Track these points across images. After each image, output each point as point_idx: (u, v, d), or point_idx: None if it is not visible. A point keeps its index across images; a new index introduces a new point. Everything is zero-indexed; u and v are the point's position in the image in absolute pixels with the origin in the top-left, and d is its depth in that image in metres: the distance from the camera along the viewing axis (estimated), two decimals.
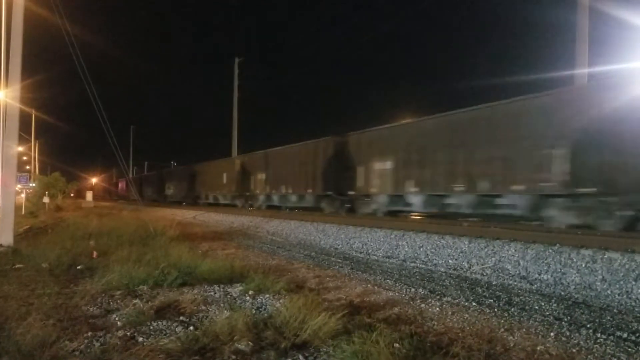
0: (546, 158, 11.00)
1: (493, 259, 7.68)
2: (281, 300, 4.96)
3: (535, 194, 11.40)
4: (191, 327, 4.16)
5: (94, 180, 74.22)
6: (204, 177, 34.70)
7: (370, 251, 9.98)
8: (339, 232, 11.86)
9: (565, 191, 10.65)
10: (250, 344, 3.69)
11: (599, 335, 4.32)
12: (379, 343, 3.42)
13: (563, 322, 4.74)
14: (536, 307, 5.38)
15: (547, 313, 5.13)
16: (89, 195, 41.56)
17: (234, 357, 3.50)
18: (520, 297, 5.88)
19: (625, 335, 4.35)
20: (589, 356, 3.78)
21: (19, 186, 22.69)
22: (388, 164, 16.22)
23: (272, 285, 5.56)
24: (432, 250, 8.84)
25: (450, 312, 5.08)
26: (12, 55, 9.96)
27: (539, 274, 6.84)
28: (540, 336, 4.27)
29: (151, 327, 4.15)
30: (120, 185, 62.11)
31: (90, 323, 4.30)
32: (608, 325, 4.67)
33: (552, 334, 4.35)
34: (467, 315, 4.96)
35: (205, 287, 5.85)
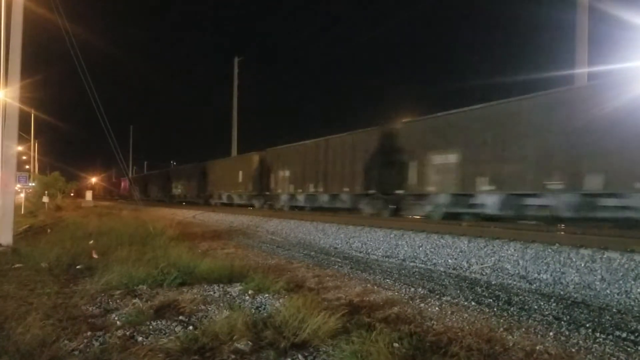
0: None
1: (492, 258, 7.69)
2: (281, 300, 4.97)
3: None
4: (190, 327, 4.16)
5: (93, 179, 74.16)
6: (217, 175, 32.18)
7: (369, 250, 9.99)
8: (339, 232, 11.86)
9: None
10: (250, 343, 3.69)
11: (598, 334, 4.32)
12: (378, 342, 3.42)
13: (562, 322, 4.74)
14: (535, 307, 5.39)
15: (547, 312, 5.14)
16: (89, 195, 41.56)
17: (233, 356, 3.50)
18: (520, 297, 5.88)
19: (624, 334, 4.35)
20: (588, 356, 3.79)
21: (18, 186, 22.66)
22: (452, 158, 13.65)
23: (271, 285, 5.56)
24: (432, 249, 8.85)
25: (449, 312, 5.08)
26: (12, 55, 9.95)
27: (538, 274, 6.84)
28: (539, 336, 4.27)
29: (150, 327, 4.16)
30: (122, 184, 61.10)
31: (89, 322, 4.30)
32: (607, 325, 4.67)
33: (551, 333, 4.35)
34: (466, 315, 4.96)
35: (205, 286, 5.85)
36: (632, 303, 5.50)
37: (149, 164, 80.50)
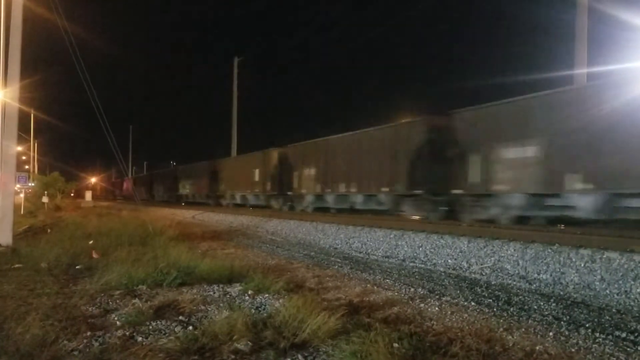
0: None
1: (492, 258, 7.69)
2: (280, 300, 4.97)
3: None
4: (190, 327, 4.16)
5: (93, 179, 74.11)
6: (230, 174, 30.18)
7: (369, 251, 9.99)
8: (338, 232, 11.86)
9: None
10: (250, 343, 3.69)
11: (597, 335, 4.32)
12: (378, 343, 3.42)
13: (562, 322, 4.74)
14: (535, 307, 5.39)
15: (546, 313, 5.14)
16: (88, 195, 41.55)
17: (233, 356, 3.50)
18: (519, 297, 5.88)
19: (624, 335, 4.35)
20: (588, 356, 3.79)
21: (18, 186, 22.67)
22: (531, 151, 11.49)
23: (271, 285, 5.56)
24: (432, 250, 8.85)
25: (449, 312, 5.08)
26: (11, 55, 9.95)
27: (538, 274, 6.84)
28: (539, 336, 4.27)
29: (150, 327, 4.15)
30: (125, 184, 59.56)
31: (89, 323, 4.30)
32: (607, 325, 4.67)
33: (551, 333, 4.35)
34: (466, 315, 4.96)
35: (205, 286, 5.85)
36: (632, 303, 5.50)
37: (148, 164, 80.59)
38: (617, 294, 5.77)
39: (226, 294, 5.49)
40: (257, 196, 26.53)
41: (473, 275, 7.35)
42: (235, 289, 5.67)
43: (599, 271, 6.28)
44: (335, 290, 6.16)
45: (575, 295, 5.97)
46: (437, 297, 5.83)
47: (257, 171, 25.98)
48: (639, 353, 3.88)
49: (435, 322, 4.67)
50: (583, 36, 17.44)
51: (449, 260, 8.22)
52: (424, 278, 7.19)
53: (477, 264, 7.72)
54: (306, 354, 3.54)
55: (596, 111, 10.19)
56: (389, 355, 3.29)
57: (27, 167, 47.06)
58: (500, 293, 6.12)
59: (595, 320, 4.86)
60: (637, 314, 5.11)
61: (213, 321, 4.24)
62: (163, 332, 4.05)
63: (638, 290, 5.69)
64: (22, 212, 20.79)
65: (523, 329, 4.46)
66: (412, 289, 6.25)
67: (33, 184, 34.20)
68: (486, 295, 6.00)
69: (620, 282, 5.93)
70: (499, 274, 7.22)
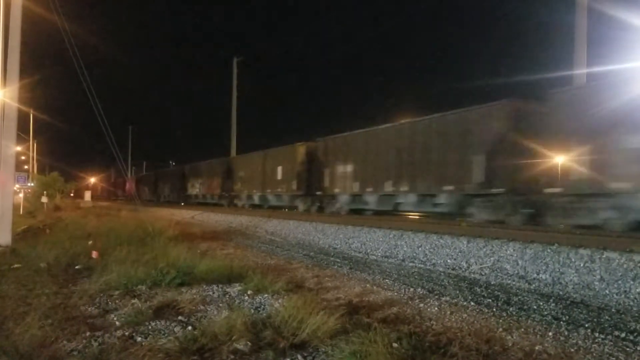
0: None
1: (492, 258, 7.69)
2: (280, 300, 4.96)
3: None
4: (190, 327, 4.15)
5: (92, 180, 74.00)
6: (247, 171, 27.59)
7: (369, 251, 9.99)
8: (338, 232, 11.86)
9: None
10: (249, 343, 3.69)
11: (597, 334, 4.32)
12: (377, 343, 3.42)
13: (561, 322, 4.74)
14: (534, 307, 5.39)
15: (546, 313, 5.14)
16: (88, 195, 41.50)
17: (232, 357, 3.50)
18: (519, 297, 5.89)
19: (623, 334, 4.35)
20: (587, 356, 3.79)
21: (17, 186, 22.66)
22: None
23: (270, 285, 5.55)
24: (431, 250, 8.85)
25: (448, 312, 5.08)
26: (10, 55, 9.94)
27: (538, 274, 6.84)
28: (538, 336, 4.27)
29: (150, 327, 4.15)
30: (128, 185, 57.94)
31: (88, 323, 4.30)
32: (606, 325, 4.68)
33: (550, 333, 4.35)
34: (465, 315, 4.96)
35: (204, 286, 5.85)
36: (631, 303, 5.51)
37: (148, 164, 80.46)
38: (617, 294, 5.77)
39: (225, 294, 5.48)
40: (280, 196, 24.12)
41: (472, 275, 7.35)
42: (234, 289, 5.67)
43: (598, 271, 6.28)
44: (335, 291, 6.16)
45: (574, 295, 5.98)
46: (436, 297, 5.83)
47: (280, 168, 23.57)
48: (639, 353, 3.88)
49: (434, 322, 4.67)
50: (582, 36, 17.47)
51: (449, 260, 8.22)
52: (423, 278, 7.19)
53: (476, 264, 7.72)
54: (305, 354, 3.54)
55: None
56: (388, 356, 3.29)
57: (26, 167, 46.96)
58: (499, 293, 6.12)
59: (595, 320, 4.86)
60: (636, 314, 5.11)
61: (212, 321, 4.23)
62: (162, 332, 4.05)
63: (637, 290, 5.70)
64: (21, 212, 20.77)
65: (522, 329, 4.46)
66: (411, 289, 6.25)
67: (32, 184, 34.14)
68: (485, 295, 6.00)
69: (620, 282, 5.94)
70: (499, 273, 7.22)
